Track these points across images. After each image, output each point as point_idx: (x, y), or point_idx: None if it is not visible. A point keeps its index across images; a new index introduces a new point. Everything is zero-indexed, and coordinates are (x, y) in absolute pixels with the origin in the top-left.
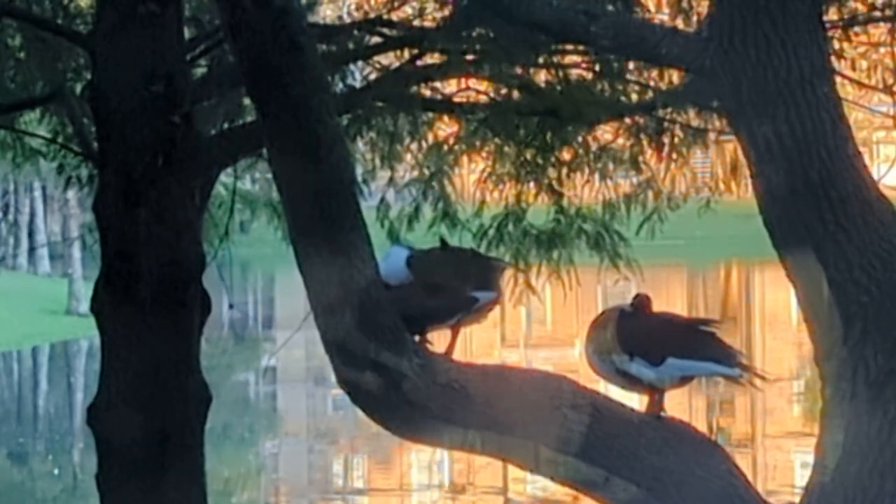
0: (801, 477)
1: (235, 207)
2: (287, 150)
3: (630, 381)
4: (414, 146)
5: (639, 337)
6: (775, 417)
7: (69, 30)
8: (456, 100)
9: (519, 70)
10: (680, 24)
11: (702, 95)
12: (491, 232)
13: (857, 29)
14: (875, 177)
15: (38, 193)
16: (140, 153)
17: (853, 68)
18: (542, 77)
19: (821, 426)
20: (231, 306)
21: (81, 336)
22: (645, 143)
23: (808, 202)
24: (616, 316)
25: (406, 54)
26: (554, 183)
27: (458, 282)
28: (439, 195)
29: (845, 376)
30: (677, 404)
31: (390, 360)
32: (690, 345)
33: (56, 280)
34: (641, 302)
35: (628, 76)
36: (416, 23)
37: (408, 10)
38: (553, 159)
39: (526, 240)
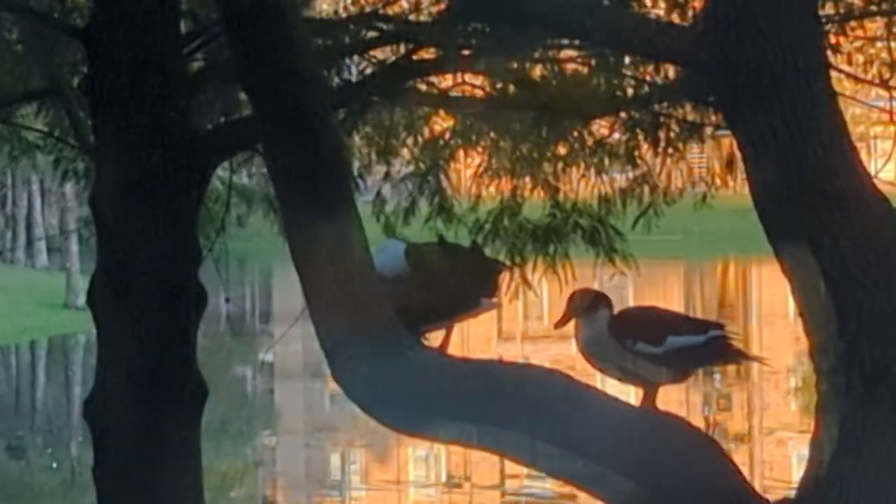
0: (797, 471)
1: (232, 201)
2: (282, 145)
3: (627, 374)
4: (409, 141)
5: (637, 324)
6: (771, 412)
7: (66, 23)
8: (451, 94)
9: (514, 65)
10: (675, 18)
11: (697, 90)
12: (487, 227)
13: (853, 23)
14: (872, 172)
15: (35, 187)
16: (136, 147)
17: (849, 63)
18: (537, 72)
19: (816, 421)
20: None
21: (79, 330)
22: (641, 137)
23: (804, 197)
24: (608, 313)
25: (402, 49)
26: (550, 178)
27: (460, 283)
28: (435, 190)
29: (840, 371)
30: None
31: (385, 354)
32: (685, 325)
33: (54, 273)
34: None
35: (624, 71)
36: (411, 17)
37: (403, 4)
38: (549, 154)
39: (522, 234)
